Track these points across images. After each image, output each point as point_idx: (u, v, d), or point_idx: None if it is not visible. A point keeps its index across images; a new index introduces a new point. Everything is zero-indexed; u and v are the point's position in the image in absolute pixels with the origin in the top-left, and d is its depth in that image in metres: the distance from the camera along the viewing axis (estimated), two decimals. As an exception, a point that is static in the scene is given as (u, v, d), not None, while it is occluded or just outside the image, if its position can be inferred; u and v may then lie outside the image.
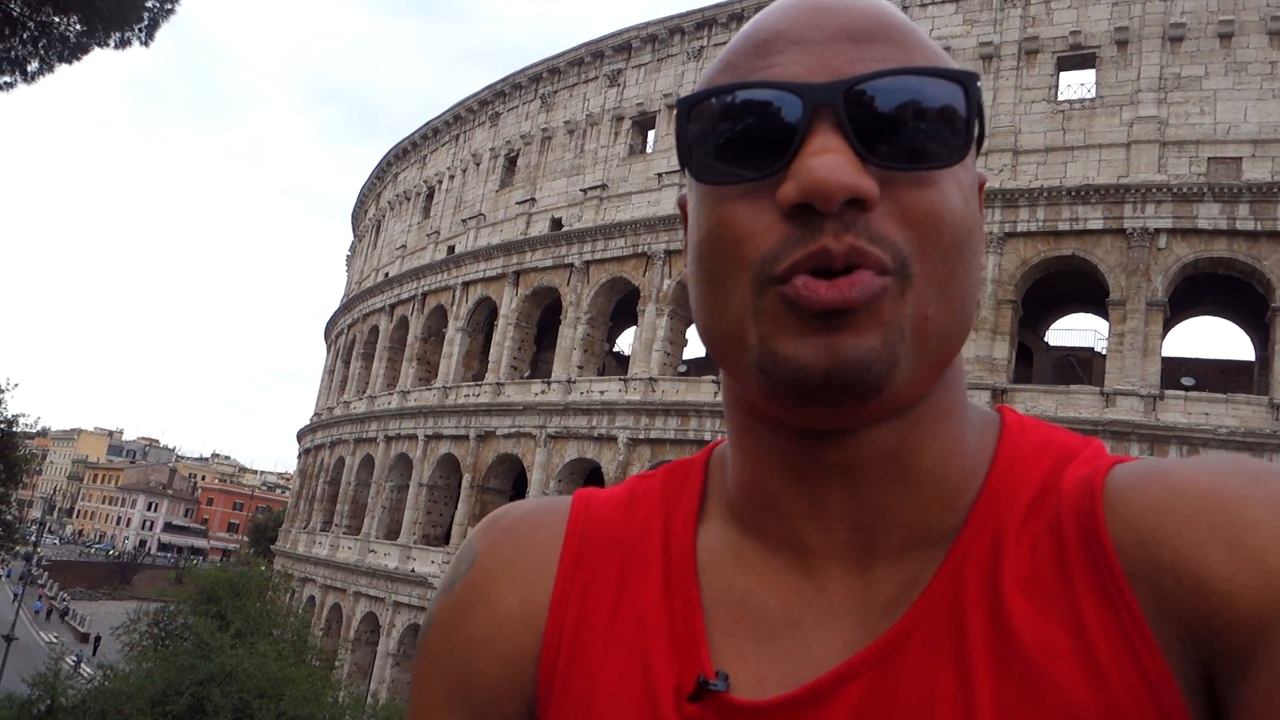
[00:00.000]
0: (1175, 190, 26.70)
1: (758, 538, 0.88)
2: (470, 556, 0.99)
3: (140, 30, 16.14)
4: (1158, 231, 26.83)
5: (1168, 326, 29.05)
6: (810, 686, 0.78)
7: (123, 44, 16.17)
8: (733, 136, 0.76)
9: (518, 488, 37.74)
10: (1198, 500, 0.72)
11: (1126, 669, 0.70)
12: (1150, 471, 0.77)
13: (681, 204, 0.90)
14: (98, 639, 60.59)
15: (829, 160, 0.70)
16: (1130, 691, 0.69)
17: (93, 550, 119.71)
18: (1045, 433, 0.87)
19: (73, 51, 15.99)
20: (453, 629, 0.95)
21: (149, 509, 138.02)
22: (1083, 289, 30.37)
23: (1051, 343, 36.65)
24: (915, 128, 0.73)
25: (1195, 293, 29.81)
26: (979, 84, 0.76)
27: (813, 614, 0.83)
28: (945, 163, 0.74)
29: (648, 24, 38.84)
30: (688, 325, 35.80)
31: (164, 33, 16.01)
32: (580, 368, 36.73)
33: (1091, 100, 29.07)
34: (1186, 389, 27.24)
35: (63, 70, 16.07)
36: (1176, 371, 30.10)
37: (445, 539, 39.37)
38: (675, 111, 0.80)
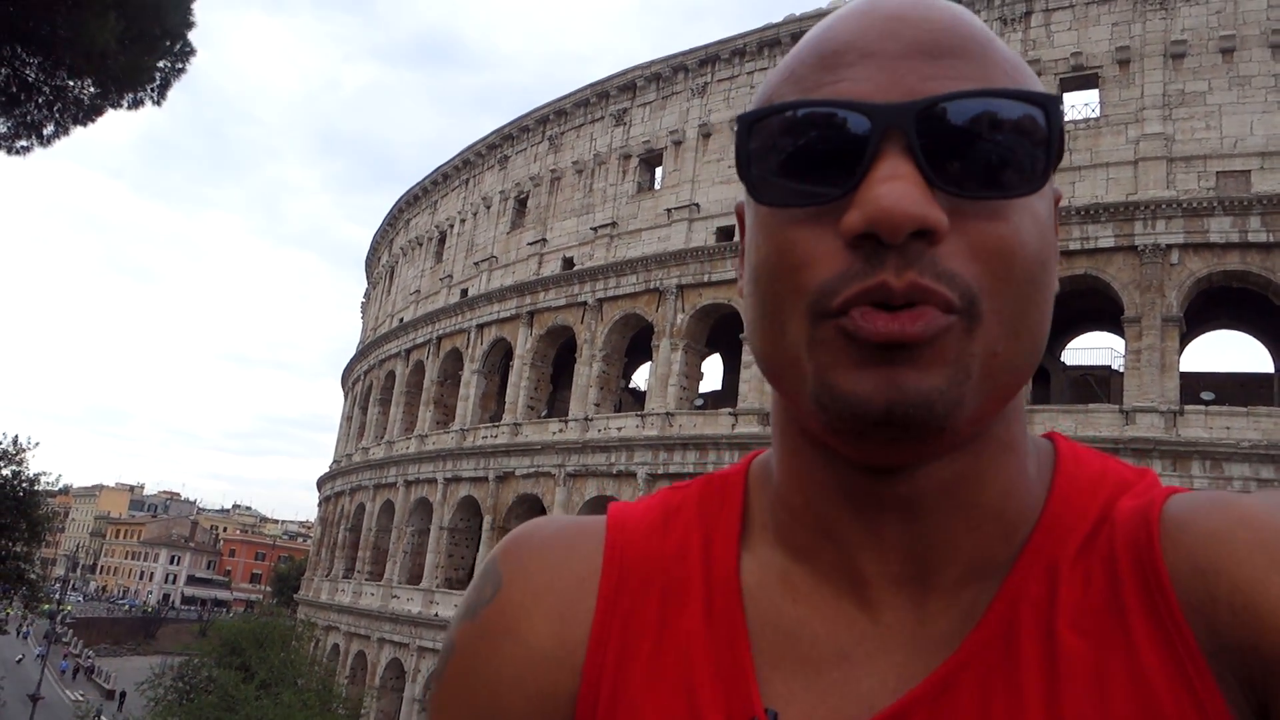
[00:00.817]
0: (1185, 205, 26.68)
1: (807, 562, 0.83)
2: (496, 580, 0.93)
3: (153, 90, 16.44)
4: (1169, 247, 26.77)
5: (1184, 342, 28.88)
6: None
7: (136, 104, 16.46)
8: (796, 155, 0.71)
9: (538, 528, 37.55)
10: (1259, 532, 0.69)
11: (1183, 703, 0.68)
12: (1208, 502, 0.74)
13: (739, 210, 0.86)
14: (123, 695, 60.48)
15: (897, 188, 0.66)
16: None
17: (116, 606, 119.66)
18: (1100, 463, 0.85)
19: (87, 114, 16.29)
20: (477, 661, 0.89)
21: (171, 563, 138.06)
22: (1097, 307, 30.26)
23: (1068, 362, 36.48)
24: (991, 154, 0.69)
25: (1210, 307, 29.66)
26: (1061, 107, 0.71)
27: (865, 646, 0.79)
28: (1022, 192, 0.70)
29: (651, 63, 39.27)
30: (703, 359, 35.83)
31: (175, 90, 16.29)
32: (597, 405, 36.74)
33: (1096, 119, 29.15)
34: (1206, 404, 27.02)
35: (77, 131, 16.33)
36: (1195, 386, 29.89)
37: (468, 582, 39.03)
38: (736, 126, 0.75)
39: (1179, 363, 26.99)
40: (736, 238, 0.89)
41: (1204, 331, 34.11)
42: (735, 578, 0.86)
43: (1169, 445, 25.18)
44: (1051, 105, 0.70)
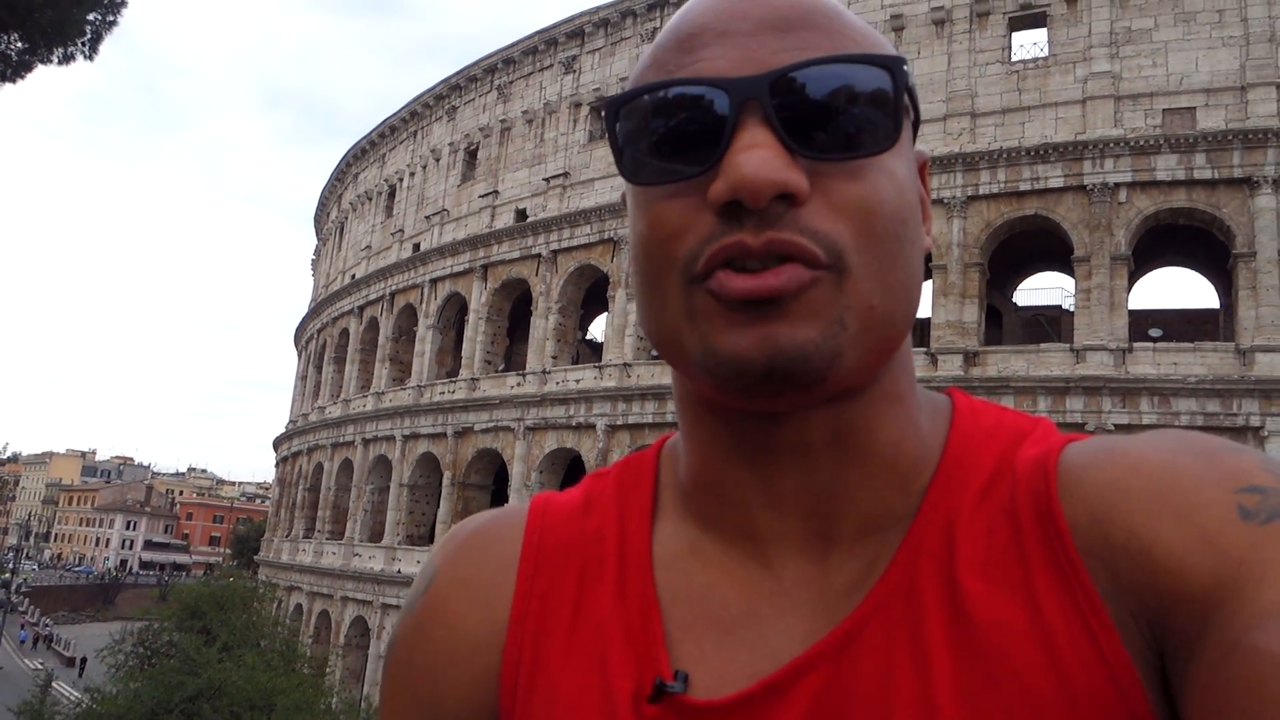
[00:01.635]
0: (1132, 144, 26.91)
1: (715, 530, 0.86)
2: (430, 573, 0.97)
3: (83, 44, 15.84)
4: (1117, 186, 27.04)
5: (1133, 280, 29.32)
6: (767, 681, 0.77)
7: (66, 59, 15.86)
8: (663, 135, 0.75)
9: (499, 482, 37.66)
10: (1151, 478, 0.72)
11: (1082, 648, 0.70)
12: (1103, 450, 0.76)
13: (625, 198, 0.89)
14: (83, 661, 60.08)
15: (757, 155, 0.70)
16: (1086, 669, 0.69)
17: (72, 574, 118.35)
18: (995, 415, 0.87)
19: (15, 70, 15.66)
20: (414, 653, 0.93)
21: (128, 528, 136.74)
22: (1047, 248, 30.60)
23: (1020, 303, 36.95)
24: (844, 116, 0.72)
25: (1158, 244, 30.08)
26: (906, 67, 0.74)
27: (772, 604, 0.82)
28: (876, 150, 0.73)
29: (599, 8, 38.59)
30: (659, 308, 35.75)
31: (108, 45, 15.72)
32: (554, 358, 36.63)
33: (1045, 59, 29.20)
34: (1155, 340, 27.56)
35: (7, 90, 15.75)
36: (1144, 324, 30.45)
37: (429, 538, 39.24)
38: (605, 112, 0.78)
39: (1128, 301, 27.40)
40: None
41: (1152, 269, 34.64)
42: (647, 551, 0.89)
43: (1119, 382, 25.66)
44: (895, 66, 0.73)
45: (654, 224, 0.75)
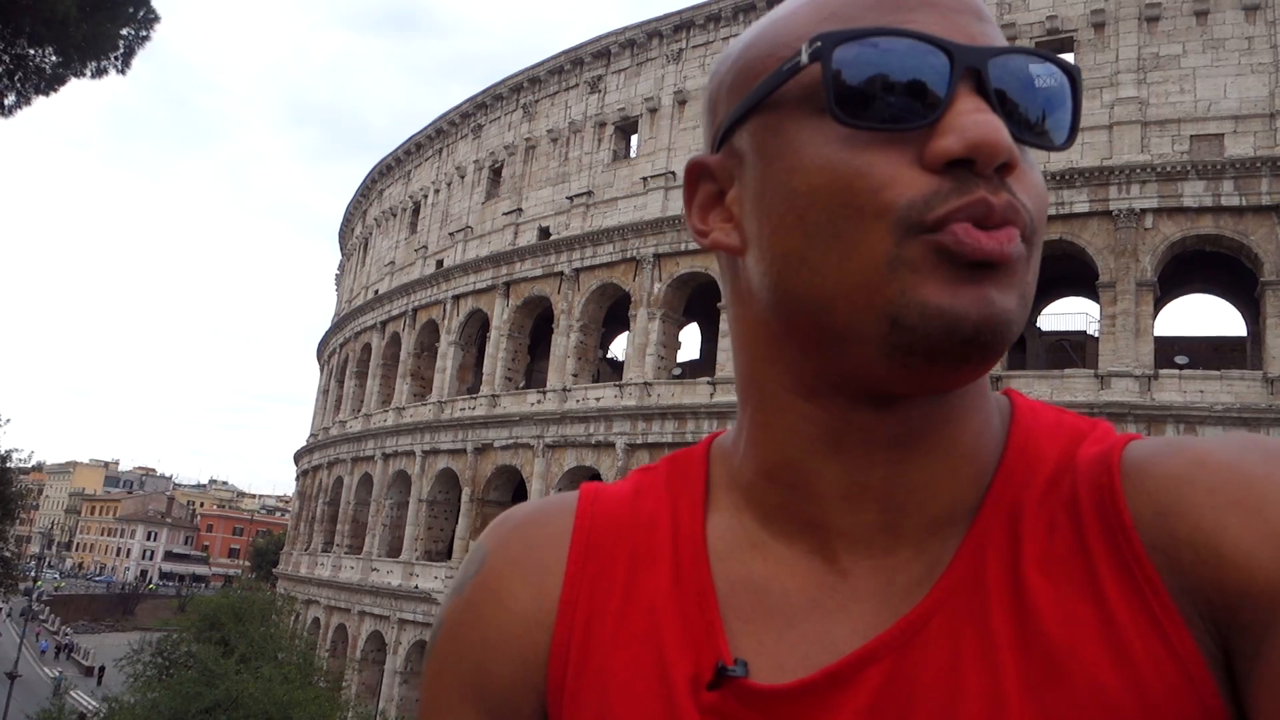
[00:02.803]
0: (1159, 170, 26.75)
1: (776, 523, 0.86)
2: (480, 557, 0.97)
3: (116, 59, 16.10)
4: (1144, 212, 26.87)
5: (1158, 306, 29.09)
6: (831, 669, 0.77)
7: (99, 73, 16.12)
8: (878, 81, 0.72)
9: (518, 499, 37.61)
10: (1217, 473, 0.71)
11: (1151, 643, 0.69)
12: (1167, 445, 0.76)
13: (692, 169, 0.86)
14: (101, 669, 60.38)
15: (990, 120, 0.70)
16: (1156, 664, 0.69)
17: (93, 583, 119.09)
18: (1055, 414, 0.86)
19: (49, 83, 15.93)
20: (464, 630, 0.93)
21: (148, 539, 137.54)
22: (1072, 272, 30.39)
23: (1044, 328, 36.70)
24: (1040, 107, 0.75)
25: (1184, 271, 29.86)
26: (1082, 79, 0.79)
27: (835, 598, 0.81)
28: (1061, 145, 0.76)
29: (625, 29, 38.86)
30: (680, 328, 35.79)
31: (140, 60, 15.96)
32: (575, 376, 36.66)
33: (1071, 84, 29.07)
34: (1180, 368, 27.27)
35: (40, 102, 16.01)
36: (1170, 350, 30.15)
37: (447, 554, 39.25)
38: (820, 44, 0.74)
39: (1153, 327, 27.19)
40: (685, 208, 0.83)
41: (1178, 296, 34.38)
42: (702, 539, 0.89)
43: (1143, 409, 25.41)
44: (1077, 74, 0.77)
45: (858, 171, 0.72)
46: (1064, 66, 0.76)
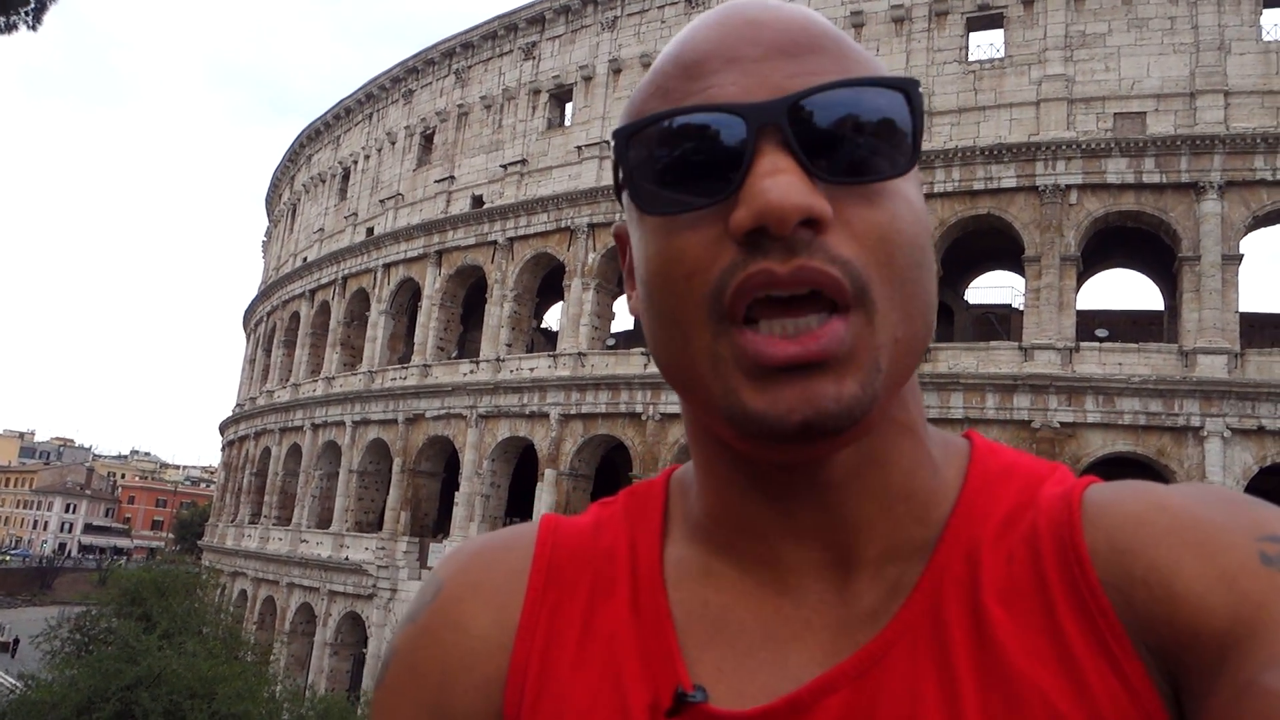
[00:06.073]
0: (1084, 146, 27.31)
1: (730, 556, 0.86)
2: (436, 586, 0.95)
3: (27, 14, 15.38)
4: (1069, 188, 27.44)
5: (1081, 280, 29.80)
6: (791, 697, 0.77)
7: (9, 28, 15.39)
8: (677, 164, 0.72)
9: (450, 470, 37.37)
10: (1175, 516, 0.73)
11: (1106, 675, 0.71)
12: (1129, 489, 0.78)
13: (618, 233, 0.87)
14: (15, 642, 58.84)
15: (781, 181, 0.68)
16: (1112, 698, 0.70)
17: (8, 557, 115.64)
18: (1012, 455, 0.88)
19: (-47, 36, 15.15)
20: (422, 658, 0.90)
21: (67, 510, 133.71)
22: (999, 247, 30.97)
23: (971, 301, 37.39)
24: (862, 140, 0.71)
25: (1106, 246, 30.60)
26: (920, 89, 0.74)
27: (790, 628, 0.81)
28: (894, 174, 0.72)
29: (560, -6, 38.32)
30: (614, 299, 35.68)
31: (52, 16, 15.27)
32: (509, 346, 36.39)
33: (1001, 60, 29.52)
34: (1101, 340, 28.02)
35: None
36: (1091, 324, 30.94)
37: (378, 525, 38.85)
38: (613, 142, 0.75)
39: (1076, 301, 27.85)
40: (620, 260, 0.81)
41: (1100, 270, 35.25)
42: (658, 570, 0.88)
43: (1065, 381, 26.07)
44: (912, 89, 0.73)
45: (672, 258, 0.72)
46: (897, 84, 0.72)
